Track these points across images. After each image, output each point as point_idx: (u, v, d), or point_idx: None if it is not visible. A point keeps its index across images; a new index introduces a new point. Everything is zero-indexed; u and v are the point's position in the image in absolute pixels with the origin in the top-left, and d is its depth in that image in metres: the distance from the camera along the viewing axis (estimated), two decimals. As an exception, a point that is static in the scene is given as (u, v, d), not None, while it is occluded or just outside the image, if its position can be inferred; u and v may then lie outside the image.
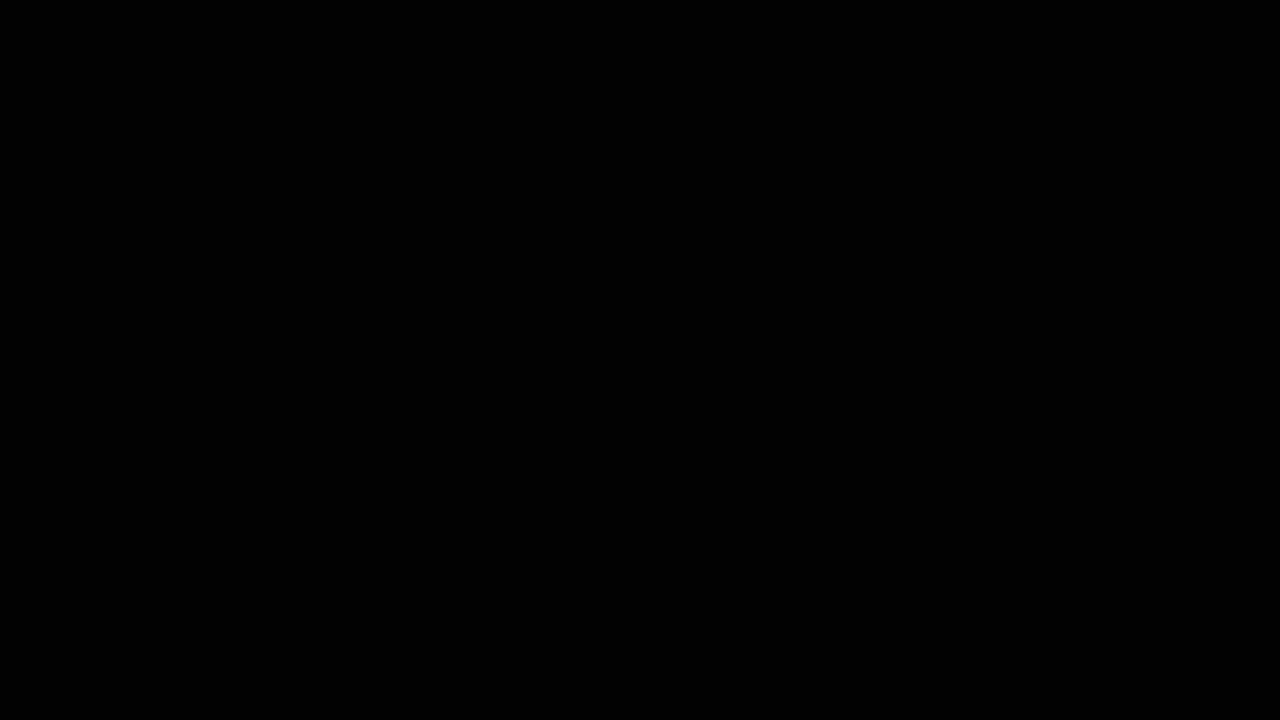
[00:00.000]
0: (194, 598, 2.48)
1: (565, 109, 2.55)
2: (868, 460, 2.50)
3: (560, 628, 2.49)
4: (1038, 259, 2.52)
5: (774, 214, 2.53)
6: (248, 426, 2.51)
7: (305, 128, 2.54)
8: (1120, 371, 2.50)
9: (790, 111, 2.54)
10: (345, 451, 2.51)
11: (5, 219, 2.52)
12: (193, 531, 2.49)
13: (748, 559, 2.50)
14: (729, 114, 2.54)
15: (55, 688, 2.46)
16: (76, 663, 2.47)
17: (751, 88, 2.54)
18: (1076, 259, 2.51)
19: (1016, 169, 2.52)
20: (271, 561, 2.49)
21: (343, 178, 2.54)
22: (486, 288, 2.53)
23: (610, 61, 2.54)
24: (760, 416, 2.51)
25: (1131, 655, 2.46)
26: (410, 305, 2.52)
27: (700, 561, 2.50)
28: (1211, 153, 2.52)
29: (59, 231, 2.52)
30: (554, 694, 2.48)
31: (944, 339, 2.51)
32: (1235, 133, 2.52)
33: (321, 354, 2.52)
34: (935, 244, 2.52)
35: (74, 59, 2.53)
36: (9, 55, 2.52)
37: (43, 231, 2.52)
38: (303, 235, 2.53)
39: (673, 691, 2.48)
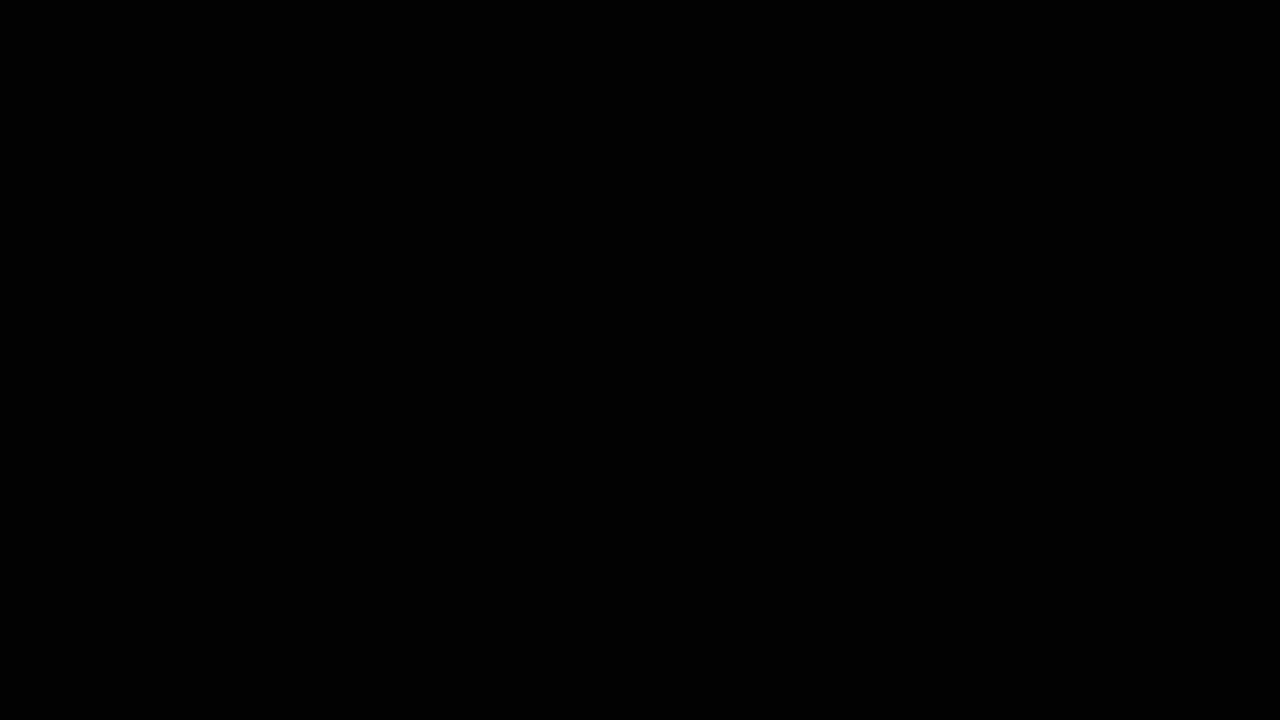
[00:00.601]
0: (194, 597, 2.49)
1: (565, 109, 2.55)
2: (867, 460, 2.51)
3: (560, 628, 2.49)
4: (1037, 259, 2.52)
5: (773, 214, 2.54)
6: (247, 426, 2.51)
7: (305, 128, 2.54)
8: (1120, 371, 2.51)
9: (790, 112, 2.54)
10: (345, 451, 2.51)
11: (5, 219, 2.53)
12: (193, 531, 2.49)
13: (748, 559, 2.50)
14: (729, 114, 2.54)
15: (55, 688, 2.47)
16: (76, 663, 2.47)
17: (752, 88, 2.54)
18: (1076, 259, 2.52)
19: (1016, 169, 2.53)
20: (272, 561, 2.49)
21: (342, 178, 2.54)
22: (486, 288, 2.53)
23: (610, 62, 2.55)
24: (760, 416, 2.52)
25: (1131, 655, 2.46)
26: (410, 305, 2.52)
27: (700, 562, 2.50)
28: (1211, 153, 2.52)
29: (59, 231, 2.52)
30: (554, 694, 2.48)
31: (944, 339, 2.51)
32: (1235, 133, 2.52)
33: (321, 354, 2.52)
34: (935, 244, 2.53)
35: (74, 59, 2.54)
36: (9, 55, 2.53)
37: (43, 231, 2.52)
38: (302, 235, 2.53)
39: (673, 692, 2.48)
